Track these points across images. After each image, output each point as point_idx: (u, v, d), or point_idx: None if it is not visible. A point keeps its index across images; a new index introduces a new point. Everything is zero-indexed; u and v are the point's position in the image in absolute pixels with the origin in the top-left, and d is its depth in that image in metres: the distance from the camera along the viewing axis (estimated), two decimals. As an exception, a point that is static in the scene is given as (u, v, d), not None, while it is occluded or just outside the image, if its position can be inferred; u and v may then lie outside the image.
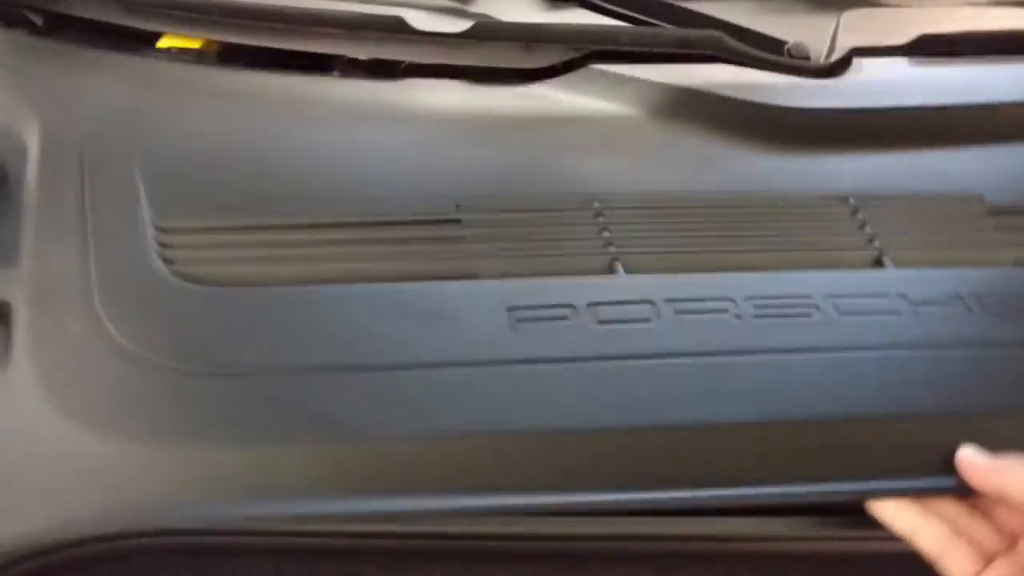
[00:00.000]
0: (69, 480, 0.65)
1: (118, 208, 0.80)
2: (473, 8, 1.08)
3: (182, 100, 0.94)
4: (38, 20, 1.02)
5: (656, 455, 0.69)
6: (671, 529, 0.71)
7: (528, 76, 0.98)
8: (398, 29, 0.99)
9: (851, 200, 0.84)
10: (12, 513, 0.64)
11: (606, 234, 0.80)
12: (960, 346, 0.75)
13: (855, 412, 0.71)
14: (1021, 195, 0.88)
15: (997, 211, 0.85)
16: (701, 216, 0.83)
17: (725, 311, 0.75)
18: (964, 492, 0.67)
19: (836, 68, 0.99)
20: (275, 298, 0.74)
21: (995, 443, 0.67)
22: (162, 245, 0.77)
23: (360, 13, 1.00)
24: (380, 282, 0.76)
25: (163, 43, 1.02)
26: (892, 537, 0.69)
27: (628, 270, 0.78)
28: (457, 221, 0.81)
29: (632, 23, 1.00)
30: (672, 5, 1.01)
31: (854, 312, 0.76)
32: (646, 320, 0.74)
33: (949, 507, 0.68)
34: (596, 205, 0.82)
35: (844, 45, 1.01)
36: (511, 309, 0.74)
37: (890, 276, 0.79)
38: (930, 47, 1.02)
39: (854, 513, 0.69)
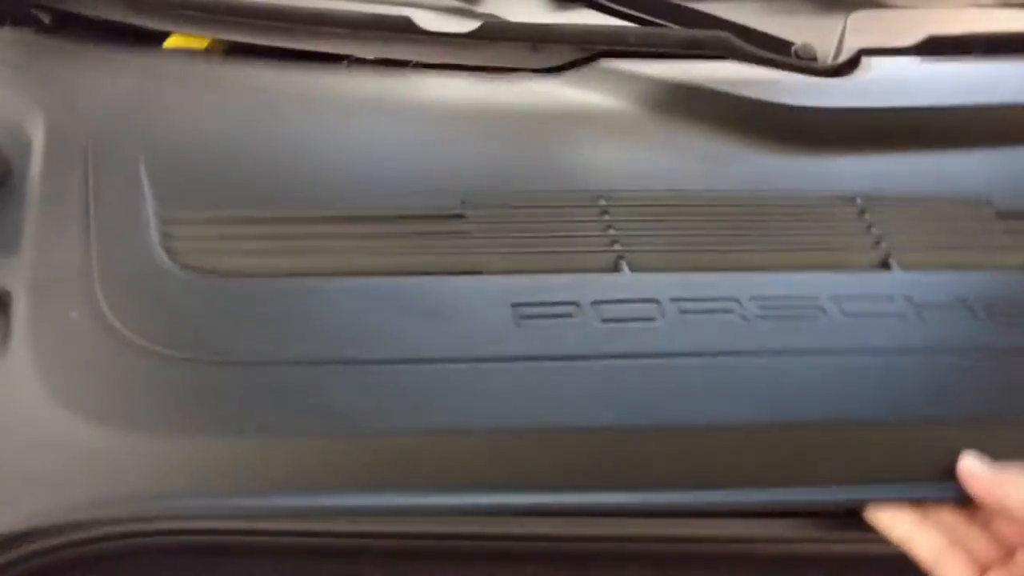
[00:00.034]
0: (66, 468, 0.65)
1: (121, 199, 0.80)
2: (480, 8, 1.08)
3: (186, 93, 0.94)
4: (46, 18, 1.03)
5: (656, 456, 0.68)
6: (671, 530, 0.71)
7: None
8: (405, 29, 0.99)
9: (858, 201, 0.84)
10: (6, 499, 0.64)
11: (611, 231, 0.80)
12: (964, 352, 0.74)
13: (857, 416, 0.70)
14: None
15: (1006, 214, 0.85)
16: (707, 214, 0.82)
17: (730, 311, 0.75)
18: (964, 501, 0.66)
19: (843, 69, 0.99)
20: (277, 290, 0.74)
21: (998, 452, 0.67)
22: (165, 236, 0.77)
23: (367, 13, 1.00)
24: (383, 276, 0.76)
25: (169, 44, 1.03)
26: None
27: (633, 268, 0.78)
28: (461, 216, 0.80)
29: (639, 24, 1.00)
30: (679, 6, 1.01)
31: (859, 315, 0.75)
32: (651, 319, 0.74)
33: (947, 516, 0.67)
34: (602, 202, 0.82)
35: (851, 46, 1.01)
36: (515, 305, 0.74)
37: (896, 278, 0.79)
38: (938, 48, 1.01)
39: (852, 517, 0.69)
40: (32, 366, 0.69)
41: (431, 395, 0.69)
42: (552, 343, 0.72)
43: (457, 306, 0.74)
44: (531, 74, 0.98)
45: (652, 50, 0.99)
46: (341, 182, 0.84)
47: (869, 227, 0.82)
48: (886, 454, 0.69)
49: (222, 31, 1.01)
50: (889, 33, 1.03)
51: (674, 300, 0.75)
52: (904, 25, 1.05)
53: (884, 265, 0.80)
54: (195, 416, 0.68)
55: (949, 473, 0.67)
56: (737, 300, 0.75)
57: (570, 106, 0.94)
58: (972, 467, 0.66)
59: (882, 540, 0.68)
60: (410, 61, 0.99)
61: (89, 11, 1.02)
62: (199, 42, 1.02)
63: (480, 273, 0.77)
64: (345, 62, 0.99)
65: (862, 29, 1.04)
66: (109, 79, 0.95)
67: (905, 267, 0.79)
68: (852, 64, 0.99)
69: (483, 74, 0.98)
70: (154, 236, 0.77)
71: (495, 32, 1.00)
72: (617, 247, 0.79)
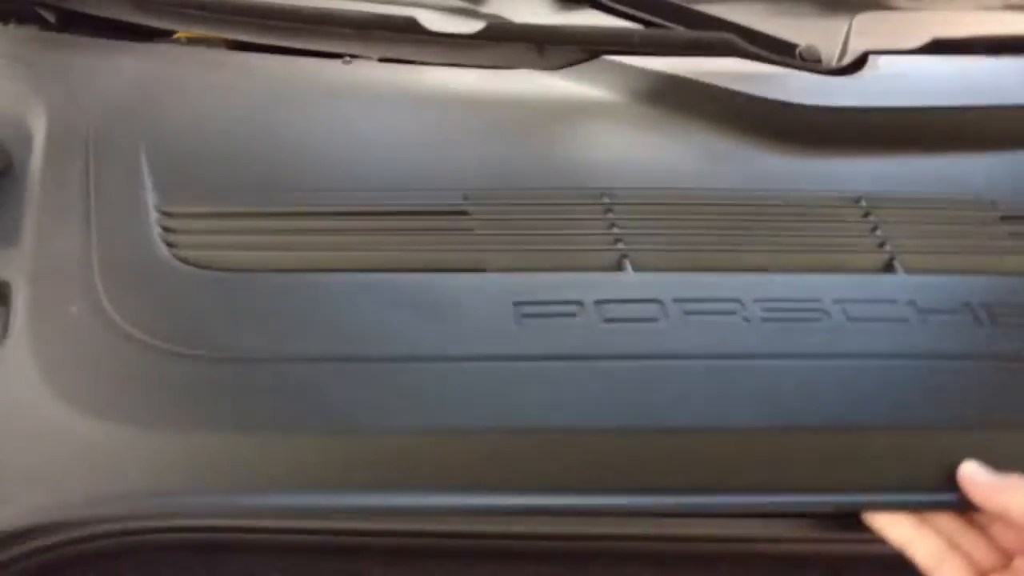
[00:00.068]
0: (62, 462, 0.65)
1: (122, 191, 0.80)
2: (485, 9, 1.08)
3: (188, 85, 0.94)
4: (51, 17, 1.03)
5: (654, 458, 0.68)
6: (670, 529, 0.71)
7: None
8: (410, 29, 0.99)
9: (863, 202, 0.84)
10: (5, 495, 0.64)
11: (615, 230, 0.80)
12: (967, 357, 0.74)
13: (859, 421, 0.70)
14: None
15: (1011, 217, 0.84)
16: (711, 214, 0.82)
17: (733, 313, 0.74)
18: (964, 507, 0.66)
19: (848, 72, 0.99)
20: (277, 286, 0.74)
21: (1000, 459, 0.66)
22: (165, 229, 0.77)
23: (373, 13, 1.00)
24: (385, 271, 0.76)
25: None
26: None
27: (636, 267, 0.77)
28: (464, 212, 0.80)
29: (644, 25, 1.00)
30: (684, 7, 1.01)
31: (862, 318, 0.75)
32: (653, 320, 0.74)
33: (946, 521, 0.67)
34: (605, 200, 0.82)
35: (856, 48, 1.01)
36: (517, 304, 0.74)
37: (899, 282, 0.78)
38: (943, 51, 1.01)
39: (852, 518, 0.69)
40: (31, 360, 0.69)
41: (431, 393, 0.69)
42: (554, 343, 0.72)
43: (459, 304, 0.74)
44: (535, 70, 0.98)
45: (656, 52, 0.98)
46: (343, 176, 0.84)
47: (873, 229, 0.82)
48: (887, 459, 0.69)
49: (227, 30, 1.02)
50: (894, 35, 1.03)
51: (677, 301, 0.75)
52: (909, 27, 1.05)
53: (888, 268, 0.79)
54: (194, 412, 0.68)
55: (950, 479, 0.67)
56: (740, 302, 0.75)
57: (574, 101, 0.94)
58: (973, 474, 0.66)
59: (882, 541, 0.68)
60: (414, 62, 0.99)
61: (94, 10, 1.02)
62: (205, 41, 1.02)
63: (482, 270, 0.77)
64: (345, 58, 0.99)
65: (867, 31, 1.04)
66: (110, 70, 0.95)
67: (909, 270, 0.79)
68: (857, 66, 0.99)
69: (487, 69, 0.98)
70: (154, 229, 0.77)
71: (500, 33, 1.00)
72: (620, 246, 0.78)
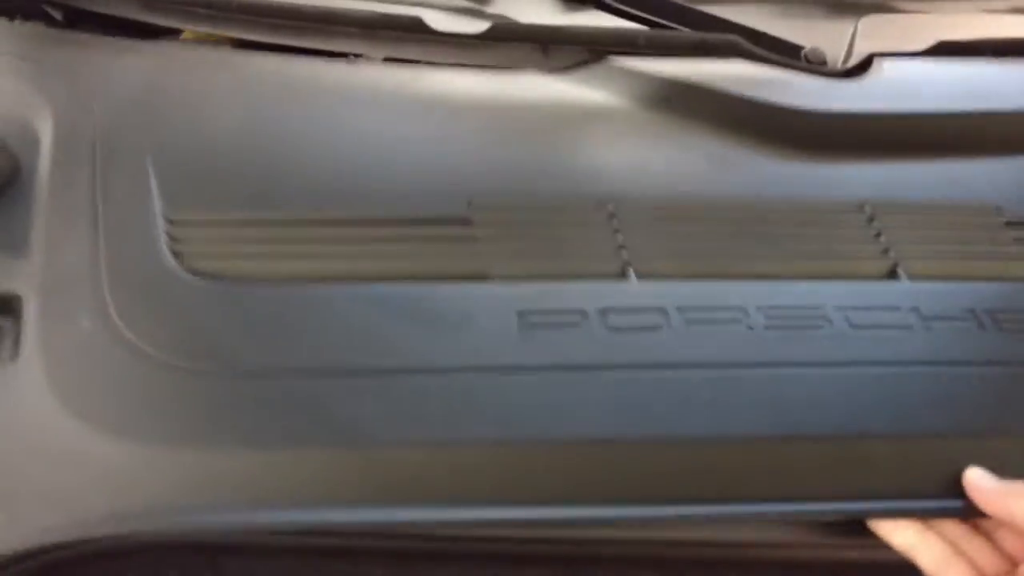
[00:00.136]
0: (74, 480, 0.65)
1: (129, 200, 0.80)
2: (490, 9, 1.08)
3: (195, 92, 0.94)
4: (57, 15, 1.02)
5: (659, 467, 0.68)
6: (676, 534, 0.71)
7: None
8: (416, 29, 0.99)
9: (867, 208, 0.84)
10: (16, 511, 0.65)
11: (619, 237, 0.80)
12: (971, 364, 0.74)
13: (863, 428, 0.70)
14: None
15: (1015, 223, 0.84)
16: (714, 220, 0.82)
17: (737, 321, 0.75)
18: (969, 514, 0.67)
19: (853, 74, 0.98)
20: (284, 297, 0.75)
21: (1005, 465, 0.67)
22: (172, 238, 0.78)
23: (378, 13, 1.00)
24: (390, 281, 0.76)
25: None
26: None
27: (640, 275, 0.77)
28: (468, 220, 0.80)
29: (649, 26, 1.00)
30: (689, 8, 1.00)
31: (866, 326, 0.75)
32: (657, 328, 0.74)
33: (950, 527, 0.68)
34: (609, 207, 0.82)
35: (862, 51, 1.01)
36: (521, 313, 0.74)
37: (904, 289, 0.78)
38: (948, 53, 1.01)
39: (857, 524, 0.69)
40: (42, 374, 0.69)
41: (434, 405, 0.69)
42: (558, 353, 0.72)
43: (463, 314, 0.74)
44: (540, 71, 0.97)
45: (661, 53, 0.98)
46: (350, 183, 0.84)
47: (877, 235, 0.82)
48: (892, 466, 0.69)
49: (233, 29, 1.01)
50: (899, 38, 1.02)
51: (680, 309, 0.75)
52: (914, 30, 1.04)
53: (892, 274, 0.79)
54: (202, 427, 0.68)
55: (955, 485, 0.67)
56: (744, 309, 0.75)
57: (578, 106, 0.94)
58: (978, 480, 0.66)
59: (886, 547, 0.68)
60: (419, 61, 0.99)
61: (101, 8, 1.02)
62: (210, 40, 1.02)
63: (487, 279, 0.77)
64: (350, 57, 0.99)
65: (872, 34, 1.03)
66: (117, 72, 0.94)
67: (913, 277, 0.79)
68: (862, 68, 0.99)
69: (492, 71, 0.97)
70: (162, 238, 0.77)
71: (505, 33, 0.99)
72: (624, 254, 0.79)
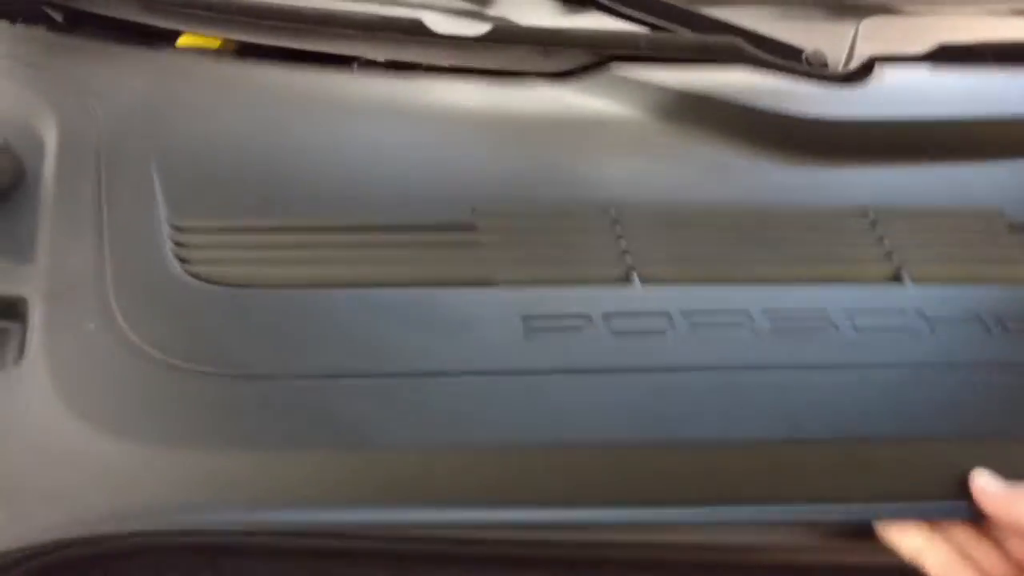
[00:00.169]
0: (78, 480, 0.65)
1: (134, 206, 0.80)
2: (491, 11, 1.08)
3: (199, 97, 0.94)
4: (58, 17, 1.02)
5: (664, 471, 0.68)
6: (679, 537, 0.71)
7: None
8: (417, 31, 0.99)
9: (870, 213, 0.84)
10: (17, 509, 0.65)
11: (623, 242, 0.80)
12: (977, 367, 0.74)
13: (868, 432, 0.70)
14: None
15: (1019, 227, 0.84)
16: (718, 226, 0.82)
17: (741, 325, 0.75)
18: (977, 517, 0.67)
19: (854, 76, 0.99)
20: (289, 302, 0.75)
21: (1011, 468, 0.67)
22: (177, 244, 0.78)
23: (379, 15, 1.00)
24: (394, 287, 0.76)
25: (182, 42, 1.02)
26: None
27: (644, 280, 0.77)
28: (472, 227, 0.80)
29: (650, 28, 1.00)
30: (690, 10, 1.00)
31: (870, 329, 0.75)
32: (661, 332, 0.74)
33: (958, 531, 0.68)
34: (613, 213, 0.82)
35: (863, 53, 1.01)
36: (526, 318, 0.74)
37: (908, 292, 0.78)
38: (950, 56, 1.01)
39: (864, 529, 0.69)
40: (47, 376, 0.69)
41: (439, 409, 0.69)
42: (562, 357, 0.72)
43: (467, 318, 0.74)
44: (543, 81, 0.98)
45: (663, 55, 0.98)
46: (354, 191, 0.84)
47: (881, 239, 0.82)
48: (898, 470, 0.69)
49: (234, 31, 1.01)
50: (900, 40, 1.02)
51: (684, 313, 0.75)
52: (916, 32, 1.04)
53: (896, 278, 0.79)
54: (206, 429, 0.68)
55: (962, 490, 0.67)
56: (748, 313, 0.75)
57: (581, 115, 0.94)
58: (986, 484, 0.66)
59: (892, 551, 0.68)
60: (421, 63, 0.99)
61: (102, 10, 1.02)
62: (211, 41, 1.02)
63: (491, 284, 0.77)
64: (355, 64, 0.99)
65: (873, 36, 1.04)
66: (122, 81, 0.94)
67: (917, 280, 0.79)
68: (863, 71, 0.99)
69: (495, 80, 0.98)
70: (167, 244, 0.77)
71: (506, 35, 0.99)
72: (628, 259, 0.79)
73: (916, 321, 0.76)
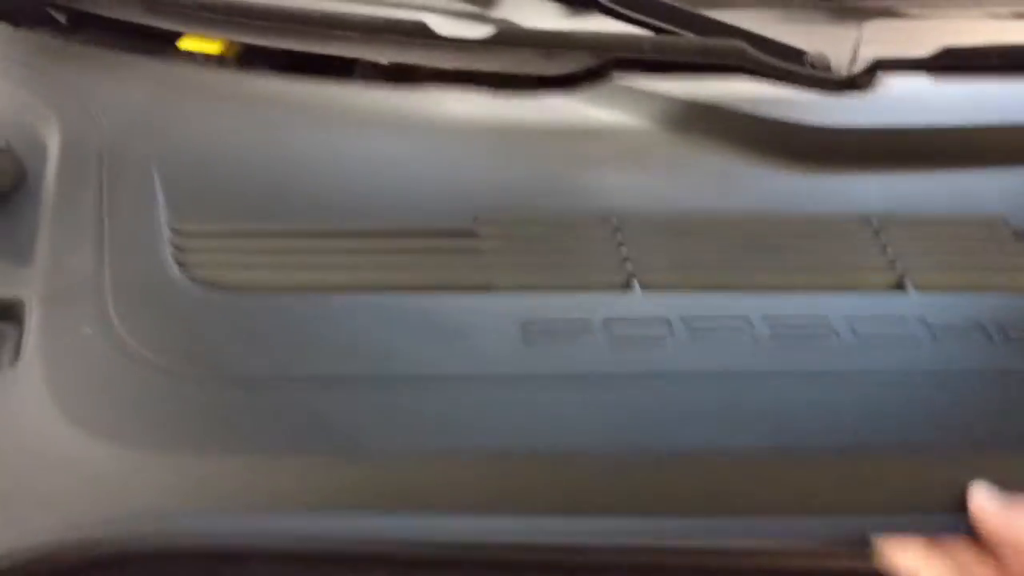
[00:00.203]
0: (72, 485, 0.65)
1: (135, 209, 0.81)
2: (494, 14, 1.08)
3: (202, 104, 0.94)
4: (62, 18, 1.02)
5: (662, 480, 0.68)
6: (673, 543, 0.71)
7: (549, 83, 0.98)
8: (420, 34, 0.99)
9: (873, 221, 0.83)
10: (11, 513, 0.65)
11: (624, 250, 0.80)
12: (979, 376, 0.73)
13: (868, 442, 0.69)
14: None
15: (1022, 235, 0.84)
16: (719, 234, 0.82)
17: (741, 332, 0.74)
18: (976, 535, 0.66)
19: (858, 80, 0.98)
20: (287, 306, 0.74)
21: (1012, 479, 0.66)
22: (177, 248, 0.78)
23: (382, 17, 1.00)
24: (393, 292, 0.76)
25: (183, 45, 1.03)
26: None
27: (644, 287, 0.77)
28: (473, 233, 0.80)
29: (653, 31, 1.00)
30: (693, 13, 1.00)
31: (872, 337, 0.74)
32: (661, 339, 0.74)
33: (957, 546, 0.67)
34: (614, 220, 0.82)
35: (866, 56, 1.00)
36: (525, 324, 0.74)
37: (910, 300, 0.78)
38: (953, 60, 1.00)
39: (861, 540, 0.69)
40: (42, 380, 0.69)
41: (438, 414, 0.69)
42: (562, 363, 0.72)
43: (466, 324, 0.74)
44: (546, 90, 0.97)
45: (666, 58, 0.98)
46: (354, 197, 0.84)
47: (884, 247, 0.81)
48: (898, 482, 0.68)
49: (236, 33, 1.01)
50: (904, 43, 1.02)
51: (685, 320, 0.75)
52: (919, 36, 1.04)
53: (899, 286, 0.79)
54: (202, 434, 0.68)
55: (961, 503, 0.66)
56: (748, 320, 0.75)
57: (583, 123, 0.94)
58: (985, 503, 0.66)
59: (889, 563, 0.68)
60: (424, 66, 0.99)
61: (105, 11, 1.02)
62: (213, 44, 1.02)
63: (491, 290, 0.77)
64: (356, 75, 0.99)
65: (876, 39, 1.03)
66: (125, 86, 0.95)
67: (920, 288, 0.79)
68: (867, 75, 0.99)
69: (498, 89, 0.98)
70: (166, 248, 0.77)
71: (510, 38, 1.00)
72: (628, 266, 0.78)
73: (918, 329, 0.75)
